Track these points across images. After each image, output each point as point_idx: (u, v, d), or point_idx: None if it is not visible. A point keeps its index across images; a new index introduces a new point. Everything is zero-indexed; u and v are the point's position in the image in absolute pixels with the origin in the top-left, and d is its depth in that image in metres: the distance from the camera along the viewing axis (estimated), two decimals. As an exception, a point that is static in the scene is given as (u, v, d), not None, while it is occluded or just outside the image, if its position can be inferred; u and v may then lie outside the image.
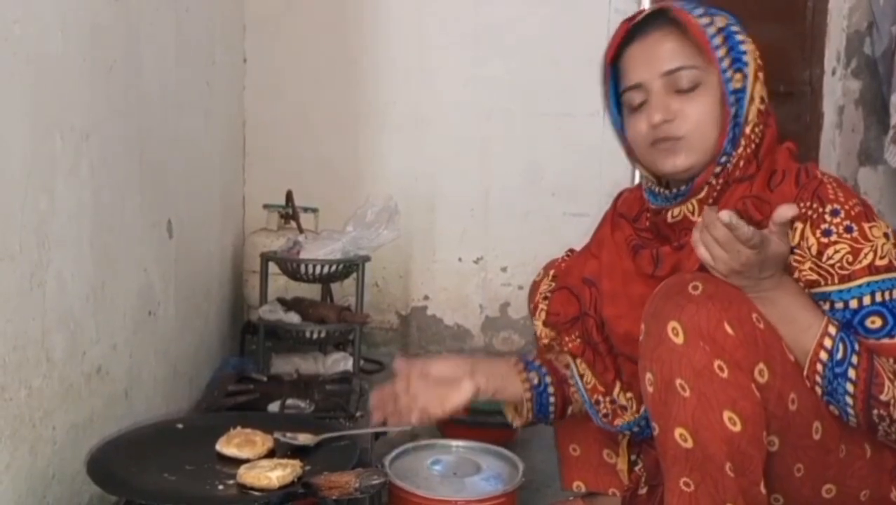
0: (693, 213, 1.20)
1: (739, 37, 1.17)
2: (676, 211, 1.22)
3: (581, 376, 1.35)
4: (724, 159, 1.16)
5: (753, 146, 1.17)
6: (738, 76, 1.16)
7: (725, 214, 1.00)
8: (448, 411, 1.24)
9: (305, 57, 2.93)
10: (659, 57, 1.19)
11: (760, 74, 1.18)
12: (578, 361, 1.36)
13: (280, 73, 2.92)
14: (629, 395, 1.30)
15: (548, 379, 1.37)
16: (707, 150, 1.18)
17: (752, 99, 1.16)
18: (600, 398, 1.33)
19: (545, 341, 1.43)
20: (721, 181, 1.17)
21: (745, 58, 1.16)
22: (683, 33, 1.18)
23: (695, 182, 1.18)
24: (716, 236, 1.03)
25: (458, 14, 2.94)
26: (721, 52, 1.15)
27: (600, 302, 1.32)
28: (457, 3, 2.94)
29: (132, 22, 1.56)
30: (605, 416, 1.32)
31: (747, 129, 1.16)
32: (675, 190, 1.22)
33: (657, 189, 1.25)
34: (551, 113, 2.93)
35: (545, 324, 1.42)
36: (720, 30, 1.16)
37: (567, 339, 1.39)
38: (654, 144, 1.21)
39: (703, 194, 1.18)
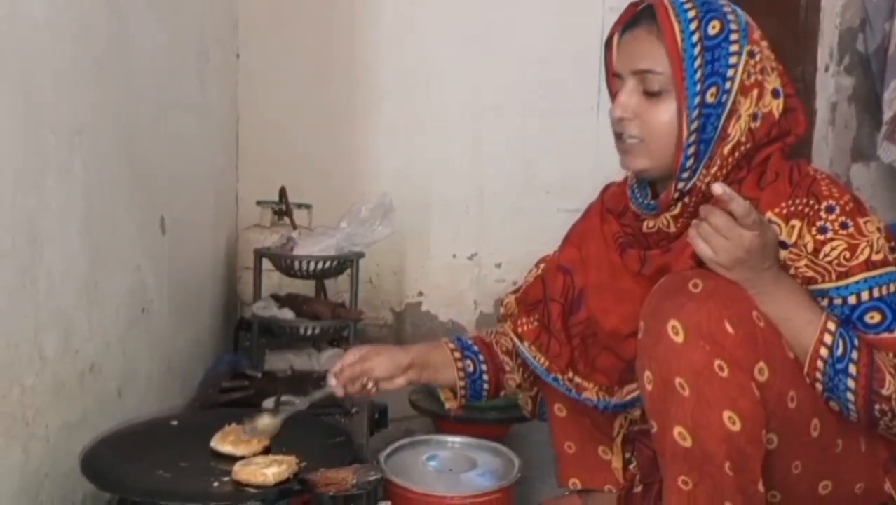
0: (668, 227, 1.19)
1: (732, 47, 1.11)
2: (651, 223, 1.21)
3: (534, 358, 1.36)
4: (685, 175, 1.13)
5: (737, 160, 1.13)
6: (712, 90, 1.11)
7: (718, 187, 1.00)
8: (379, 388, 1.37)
9: (299, 53, 2.92)
10: (634, 53, 1.17)
11: (756, 91, 1.12)
12: (527, 344, 1.36)
13: (273, 70, 2.91)
14: (589, 382, 1.31)
15: (483, 367, 1.43)
16: (663, 159, 1.16)
17: (734, 114, 1.12)
18: (559, 375, 1.33)
19: (504, 311, 1.46)
20: (695, 199, 1.15)
21: (729, 72, 1.11)
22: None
23: (660, 199, 1.18)
24: (716, 224, 1.02)
25: (453, 12, 2.93)
26: (696, 63, 1.10)
27: (584, 293, 1.31)
28: (451, 2, 2.94)
29: (123, 18, 1.55)
30: (569, 390, 1.32)
31: (725, 149, 1.12)
32: (648, 201, 1.22)
33: (637, 190, 1.24)
34: (545, 110, 2.93)
35: (517, 300, 1.44)
36: (706, 37, 1.11)
37: (523, 320, 1.38)
38: (617, 138, 1.21)
39: (676, 210, 1.17)
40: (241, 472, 1.16)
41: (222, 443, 1.27)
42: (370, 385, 1.35)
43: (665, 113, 1.14)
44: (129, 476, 1.18)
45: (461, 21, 2.92)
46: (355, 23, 2.93)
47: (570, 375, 1.31)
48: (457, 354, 1.43)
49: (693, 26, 1.11)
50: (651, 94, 1.15)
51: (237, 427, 1.31)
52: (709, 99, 1.11)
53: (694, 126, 1.12)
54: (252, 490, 1.14)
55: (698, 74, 1.11)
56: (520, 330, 1.38)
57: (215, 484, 1.17)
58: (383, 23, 2.93)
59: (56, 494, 1.26)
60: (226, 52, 2.71)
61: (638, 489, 1.39)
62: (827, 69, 3.26)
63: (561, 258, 1.37)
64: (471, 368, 1.42)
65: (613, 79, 1.23)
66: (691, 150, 1.12)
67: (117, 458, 1.22)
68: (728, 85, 1.11)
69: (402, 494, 1.46)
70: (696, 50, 1.11)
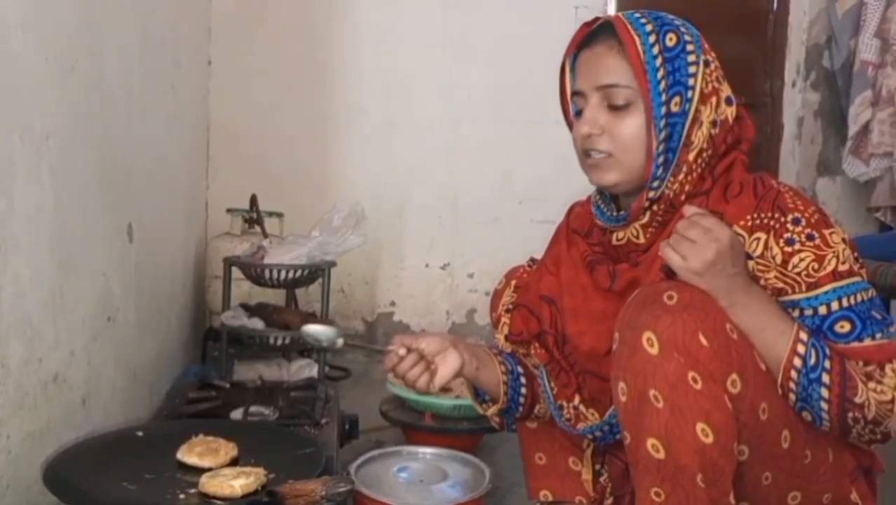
0: (637, 237, 1.20)
1: (690, 57, 1.14)
2: (621, 234, 1.22)
3: (547, 381, 1.35)
4: (655, 184, 1.15)
5: (701, 169, 1.16)
6: (676, 100, 1.13)
7: (690, 209, 1.08)
8: (438, 386, 1.27)
9: (272, 60, 2.91)
10: (597, 69, 1.18)
11: (714, 99, 1.15)
12: (543, 367, 1.37)
13: (246, 76, 2.89)
14: (591, 410, 1.30)
15: (519, 369, 1.38)
16: (634, 171, 1.17)
17: (696, 122, 1.14)
18: (564, 403, 1.33)
19: (509, 351, 1.43)
20: (663, 206, 1.17)
21: (690, 81, 1.14)
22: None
23: (631, 209, 1.19)
24: (693, 238, 1.05)
25: (429, 21, 2.94)
26: (659, 74, 1.13)
27: (561, 319, 1.32)
28: (427, 10, 2.94)
29: (96, 22, 1.53)
30: (568, 420, 1.32)
31: (690, 156, 1.15)
32: (616, 214, 1.23)
33: (603, 206, 1.26)
34: (520, 120, 2.94)
35: (507, 339, 1.42)
36: (666, 49, 1.14)
37: (534, 345, 1.39)
38: (584, 155, 1.22)
39: (645, 220, 1.18)
40: (208, 484, 1.15)
41: (189, 454, 1.25)
42: (423, 377, 1.25)
43: (632, 125, 1.16)
44: (94, 488, 1.15)
45: (437, 29, 2.94)
46: (330, 30, 2.92)
47: (577, 402, 1.31)
48: (494, 350, 1.38)
49: (652, 39, 1.14)
50: (617, 108, 1.17)
51: (204, 438, 1.29)
52: (673, 108, 1.14)
53: (662, 135, 1.14)
54: (219, 502, 1.12)
55: (662, 85, 1.13)
56: (533, 353, 1.38)
57: (181, 496, 1.15)
58: (358, 31, 2.93)
59: (17, 507, 1.23)
60: (198, 58, 2.69)
61: (609, 501, 1.39)
62: (794, 84, 3.33)
63: (542, 287, 1.37)
64: (510, 367, 1.36)
65: (572, 99, 1.24)
66: (661, 159, 1.15)
67: (81, 469, 1.20)
68: (690, 94, 1.14)
69: (372, 506, 1.44)
70: (658, 61, 1.13)
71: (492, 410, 1.38)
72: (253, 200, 2.52)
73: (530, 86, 2.91)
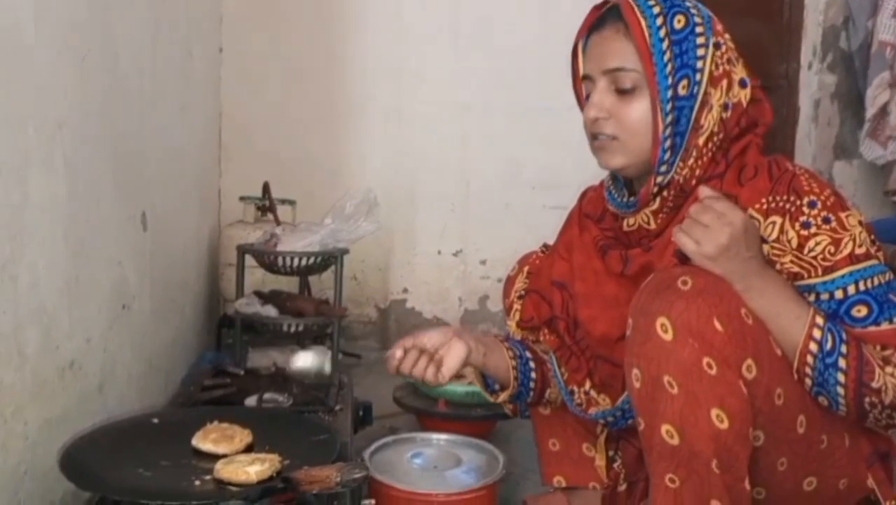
0: (648, 223, 1.20)
1: (699, 39, 1.13)
2: (632, 220, 1.22)
3: (558, 367, 1.35)
4: (664, 169, 1.15)
5: (713, 153, 1.15)
6: (683, 83, 1.13)
7: (705, 190, 1.07)
8: (448, 376, 1.27)
9: (283, 48, 2.90)
10: (604, 53, 1.18)
11: (725, 81, 1.14)
12: (553, 352, 1.36)
13: (257, 65, 2.89)
14: (602, 396, 1.30)
15: (528, 354, 1.38)
16: (641, 154, 1.17)
17: (706, 105, 1.14)
18: (575, 388, 1.33)
19: (518, 338, 1.43)
20: (673, 192, 1.16)
21: (699, 63, 1.13)
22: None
23: (640, 195, 1.18)
24: (706, 222, 1.04)
25: (439, 8, 2.92)
26: (665, 57, 1.12)
27: (573, 304, 1.32)
28: (438, -2, 2.93)
29: (108, 12, 1.53)
30: (580, 405, 1.32)
31: (700, 140, 1.14)
32: (627, 199, 1.22)
33: (615, 191, 1.25)
34: (531, 107, 2.92)
35: (518, 326, 1.42)
36: (673, 31, 1.13)
37: (545, 331, 1.39)
38: (592, 139, 1.22)
39: (655, 206, 1.18)
40: (224, 470, 1.15)
41: (204, 441, 1.26)
42: (430, 369, 1.25)
43: (639, 109, 1.16)
44: (110, 474, 1.16)
45: (447, 16, 2.91)
46: (341, 18, 2.91)
47: (587, 387, 1.31)
48: (501, 337, 1.39)
49: (659, 21, 1.13)
50: (623, 92, 1.16)
51: (219, 425, 1.30)
52: (681, 91, 1.13)
53: (668, 119, 1.13)
54: (234, 489, 1.13)
55: (668, 68, 1.12)
56: (542, 339, 1.38)
57: (197, 483, 1.16)
58: (370, 18, 2.92)
59: (35, 493, 1.24)
60: (210, 47, 2.69)
61: (622, 487, 1.39)
62: (810, 67, 3.29)
63: (554, 273, 1.36)
64: (518, 353, 1.37)
65: (582, 83, 1.24)
66: (668, 143, 1.14)
67: (97, 456, 1.20)
68: (698, 77, 1.13)
69: (386, 492, 1.45)
70: (665, 44, 1.13)
71: (503, 396, 1.38)
72: (265, 188, 2.52)
73: (541, 72, 2.89)
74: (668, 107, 1.13)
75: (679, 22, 1.14)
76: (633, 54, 1.15)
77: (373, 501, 1.31)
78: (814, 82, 3.28)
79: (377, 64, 2.93)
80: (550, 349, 1.37)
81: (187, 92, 2.27)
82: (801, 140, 3.31)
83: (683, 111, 1.14)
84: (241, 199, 2.62)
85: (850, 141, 3.30)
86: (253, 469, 1.13)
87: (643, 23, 1.13)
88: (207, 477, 1.16)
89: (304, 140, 2.92)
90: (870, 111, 3.06)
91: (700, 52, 1.13)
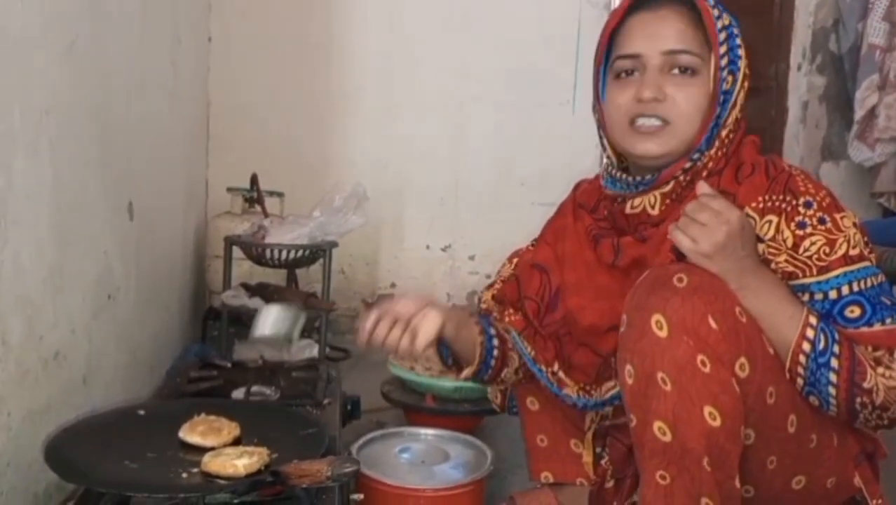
0: (653, 207, 1.19)
1: (738, 40, 1.17)
2: (637, 201, 1.20)
3: (524, 345, 1.33)
4: (696, 156, 1.16)
5: (725, 149, 1.17)
6: (729, 78, 1.15)
7: (703, 186, 1.07)
8: (422, 346, 1.19)
9: (272, 38, 2.88)
10: (664, 34, 1.16)
11: (746, 83, 1.17)
12: (517, 332, 1.35)
13: (246, 54, 2.87)
14: (569, 378, 1.29)
15: (492, 331, 1.33)
16: (685, 142, 1.16)
17: (735, 104, 1.16)
18: (543, 367, 1.32)
19: (484, 307, 1.42)
20: (688, 178, 1.16)
21: (740, 62, 1.16)
22: (693, 18, 1.16)
23: (661, 173, 1.17)
24: (702, 220, 1.04)
25: (432, 1, 2.91)
26: (723, 50, 1.14)
27: (560, 292, 1.31)
28: (431, -11, 2.91)
29: (96, -4, 1.51)
30: (551, 384, 1.31)
31: (724, 133, 1.16)
32: (638, 178, 1.20)
33: (617, 174, 1.23)
34: (522, 103, 2.92)
35: (493, 297, 1.41)
36: (725, 27, 1.15)
37: (510, 311, 1.38)
38: (633, 122, 1.18)
39: (668, 188, 1.17)
40: (211, 463, 1.14)
41: (191, 434, 1.24)
42: (405, 338, 1.18)
43: (695, 95, 1.15)
44: (95, 466, 1.14)
45: (441, 8, 2.90)
46: (332, 8, 2.89)
47: (555, 368, 1.30)
48: (468, 311, 1.35)
49: (716, 13, 1.16)
50: (680, 76, 1.16)
51: (206, 417, 1.28)
52: (726, 86, 1.15)
53: (718, 110, 1.15)
54: (222, 482, 1.11)
55: (724, 60, 1.15)
56: (507, 320, 1.37)
57: (184, 475, 1.14)
58: (361, 8, 2.90)
59: (19, 484, 1.22)
60: (198, 35, 2.66)
61: (610, 484, 1.38)
62: (799, 68, 3.30)
63: (536, 256, 1.36)
64: (484, 328, 1.32)
65: (621, 60, 1.19)
66: (714, 132, 1.16)
67: (82, 447, 1.19)
68: (739, 74, 1.16)
69: (374, 487, 1.44)
70: (723, 36, 1.15)
71: (466, 373, 1.32)
72: (254, 180, 2.50)
73: (532, 69, 2.89)
74: (721, 98, 1.15)
75: (726, 19, 1.16)
76: (695, 39, 1.15)
77: (361, 496, 1.29)
78: (803, 84, 3.30)
79: (369, 56, 2.91)
80: (514, 329, 1.36)
81: (175, 81, 2.25)
82: (789, 141, 3.33)
83: (725, 105, 1.16)
84: (229, 190, 2.60)
85: (837, 143, 3.32)
86: (241, 462, 1.12)
87: (714, 12, 1.15)
88: (195, 470, 1.15)
89: (293, 132, 2.90)
90: (858, 113, 3.08)
91: (740, 51, 1.16)
